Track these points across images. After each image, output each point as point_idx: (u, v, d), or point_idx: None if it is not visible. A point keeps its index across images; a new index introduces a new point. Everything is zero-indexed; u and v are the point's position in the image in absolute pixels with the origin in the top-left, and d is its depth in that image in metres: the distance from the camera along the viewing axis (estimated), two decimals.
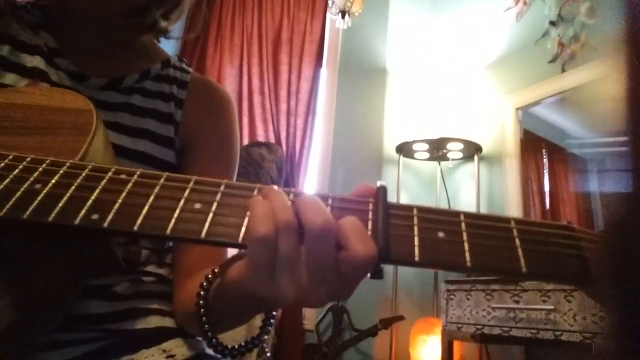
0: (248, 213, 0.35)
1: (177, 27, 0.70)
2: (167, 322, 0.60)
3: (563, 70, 2.29)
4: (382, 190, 0.36)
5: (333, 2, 2.71)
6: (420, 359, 2.37)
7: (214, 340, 0.44)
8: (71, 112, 0.49)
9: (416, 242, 0.33)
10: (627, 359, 0.20)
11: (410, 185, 2.90)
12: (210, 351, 0.43)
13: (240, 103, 2.77)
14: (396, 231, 0.34)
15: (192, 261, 0.60)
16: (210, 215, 0.35)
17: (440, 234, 0.34)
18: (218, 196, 0.36)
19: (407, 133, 2.69)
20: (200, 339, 0.60)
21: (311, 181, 2.74)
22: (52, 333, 0.51)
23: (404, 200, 2.82)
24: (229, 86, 2.76)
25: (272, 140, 2.71)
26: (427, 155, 2.78)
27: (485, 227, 0.35)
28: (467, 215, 0.35)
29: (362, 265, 0.31)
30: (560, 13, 2.36)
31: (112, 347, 0.54)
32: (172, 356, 0.56)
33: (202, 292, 0.44)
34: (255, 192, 0.37)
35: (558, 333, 1.54)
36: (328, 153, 2.80)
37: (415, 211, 0.35)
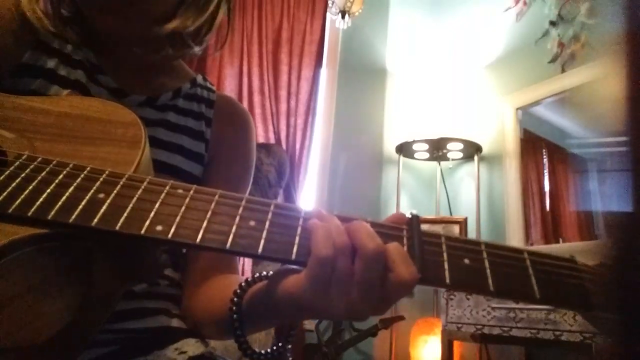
0: (299, 232, 0.38)
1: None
2: (174, 322, 0.62)
3: (563, 70, 2.29)
4: (416, 220, 0.40)
5: (333, 2, 2.71)
6: (420, 359, 2.37)
7: (244, 345, 0.48)
8: (120, 125, 0.51)
9: (446, 267, 0.37)
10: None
11: (410, 185, 2.90)
12: (219, 352, 0.45)
13: (240, 103, 2.77)
14: (428, 257, 0.38)
15: (206, 267, 0.64)
16: (265, 232, 0.38)
17: (466, 261, 0.38)
18: (269, 215, 0.39)
19: (407, 133, 2.70)
20: (208, 340, 0.64)
21: (311, 181, 2.74)
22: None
23: (404, 200, 2.82)
24: (229, 86, 2.76)
25: (272, 140, 2.71)
26: (427, 155, 2.79)
27: (503, 256, 0.39)
28: (487, 244, 0.39)
29: (406, 287, 0.36)
30: (560, 13, 2.36)
31: (125, 350, 0.55)
32: (183, 352, 0.58)
33: (235, 299, 0.48)
34: (302, 213, 0.40)
35: (558, 333, 1.54)
36: (328, 153, 2.80)
37: (443, 239, 0.39)
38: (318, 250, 0.36)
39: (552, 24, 2.39)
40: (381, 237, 0.38)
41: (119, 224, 0.37)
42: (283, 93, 2.78)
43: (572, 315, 1.52)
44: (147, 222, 0.37)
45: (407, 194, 2.86)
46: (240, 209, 0.39)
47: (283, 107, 2.76)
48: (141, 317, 0.59)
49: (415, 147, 2.71)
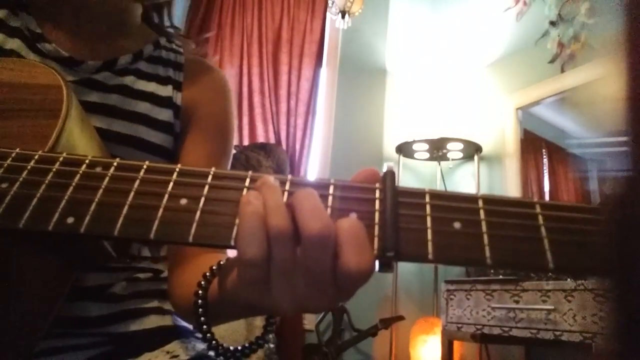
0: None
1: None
2: (167, 320, 0.60)
3: (563, 71, 2.29)
4: (390, 176, 0.32)
5: (333, 2, 2.71)
6: (420, 359, 2.37)
7: (214, 342, 0.42)
8: (39, 89, 0.43)
9: (429, 237, 0.29)
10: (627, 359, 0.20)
11: (410, 185, 2.89)
12: (212, 352, 0.41)
13: (240, 103, 2.77)
14: (406, 224, 0.30)
15: (186, 248, 0.57)
16: (198, 213, 0.31)
17: (457, 225, 0.30)
18: (206, 189, 0.32)
19: (407, 133, 2.69)
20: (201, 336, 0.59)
21: None
22: (52, 339, 0.50)
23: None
24: None
25: (272, 140, 2.71)
26: (427, 155, 2.78)
27: (507, 214, 0.30)
28: (486, 200, 0.31)
29: (356, 279, 0.29)
30: (560, 13, 2.36)
31: (114, 352, 0.54)
32: (175, 356, 0.55)
33: (200, 292, 0.41)
34: (247, 181, 0.33)
35: (558, 333, 1.54)
36: (328, 153, 2.80)
37: (427, 198, 0.31)
38: (243, 250, 0.29)
39: (552, 24, 2.39)
40: (348, 202, 0.31)
41: (23, 221, 0.32)
42: (283, 93, 2.78)
43: (572, 315, 1.52)
44: (56, 215, 0.32)
45: None
46: (170, 185, 0.32)
47: (283, 107, 2.76)
48: (130, 319, 0.56)
49: (415, 147, 2.71)
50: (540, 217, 0.30)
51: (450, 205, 0.31)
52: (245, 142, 2.66)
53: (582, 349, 1.50)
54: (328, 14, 2.86)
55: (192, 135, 0.63)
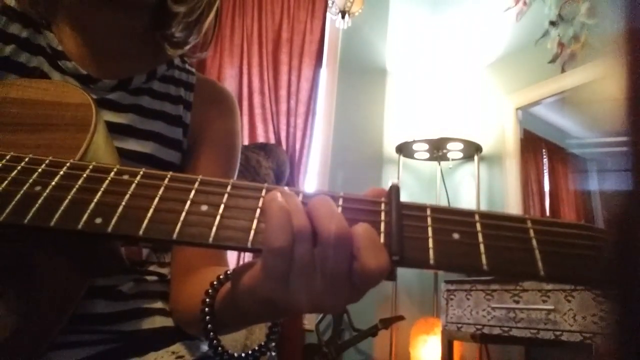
0: (257, 215, 0.34)
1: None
2: (171, 321, 0.61)
3: (563, 71, 2.29)
4: (395, 190, 0.34)
5: (333, 2, 2.71)
6: (420, 359, 2.37)
7: (219, 348, 0.43)
8: (69, 107, 0.47)
9: (431, 245, 0.32)
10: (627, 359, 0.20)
11: (410, 186, 2.90)
12: (217, 359, 0.42)
13: (240, 103, 2.77)
14: (410, 233, 0.33)
15: (191, 257, 0.59)
16: (218, 218, 0.34)
17: (455, 236, 0.33)
18: (225, 197, 0.35)
19: (407, 133, 2.70)
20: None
21: (311, 181, 2.75)
22: (60, 334, 0.51)
23: (404, 200, 2.81)
24: (229, 86, 2.76)
25: (272, 140, 2.71)
26: (427, 155, 2.79)
27: (501, 227, 0.33)
28: (482, 215, 0.34)
29: (373, 278, 0.31)
30: (560, 13, 2.36)
31: (120, 349, 0.55)
32: (181, 357, 0.56)
33: (207, 300, 0.43)
34: (264, 192, 0.35)
35: (558, 333, 1.54)
36: (328, 153, 2.80)
37: (429, 211, 0.34)
38: (271, 240, 0.31)
39: (552, 24, 2.39)
40: (356, 213, 0.34)
41: (54, 220, 0.34)
42: (283, 93, 2.78)
43: (572, 315, 1.52)
44: (86, 215, 0.34)
45: (407, 194, 2.86)
46: (192, 192, 0.35)
47: (283, 107, 2.76)
48: (136, 318, 0.58)
49: (415, 147, 2.71)
50: (531, 231, 0.33)
51: (450, 218, 0.34)
52: (245, 142, 2.66)
53: (582, 349, 1.50)
54: (328, 14, 2.87)
55: (200, 154, 0.66)
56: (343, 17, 2.68)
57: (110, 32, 0.62)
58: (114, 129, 0.58)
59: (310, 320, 2.48)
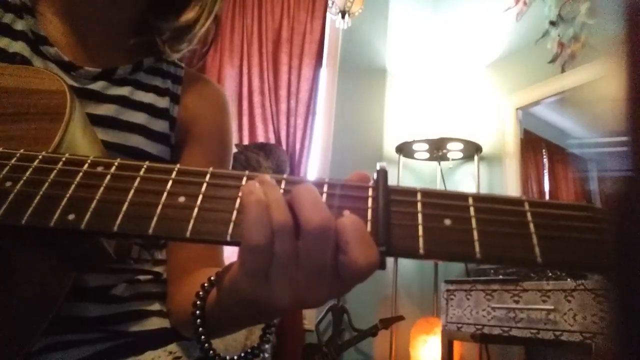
0: (237, 206, 0.32)
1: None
2: (168, 323, 0.60)
3: (563, 70, 2.29)
4: (383, 174, 0.32)
5: (333, 2, 2.71)
6: (420, 359, 2.37)
7: (211, 352, 0.41)
8: (43, 94, 0.44)
9: (420, 232, 0.30)
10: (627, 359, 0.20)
11: (410, 185, 2.90)
12: (219, 352, 0.41)
13: (240, 103, 2.77)
14: (398, 220, 0.31)
15: (186, 259, 0.58)
16: (196, 210, 0.32)
17: (447, 222, 0.31)
18: (203, 187, 0.33)
19: (407, 133, 2.70)
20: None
21: None
22: (55, 335, 0.50)
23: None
24: (229, 86, 2.76)
25: (272, 140, 2.71)
26: (427, 155, 2.78)
27: (496, 211, 0.31)
28: (476, 198, 0.32)
29: (363, 273, 0.29)
30: (560, 13, 2.36)
31: (117, 348, 0.54)
32: (178, 357, 0.56)
33: (198, 302, 0.41)
34: (244, 180, 0.33)
35: (558, 333, 1.54)
36: (328, 153, 2.80)
37: (419, 196, 0.32)
38: (248, 237, 0.30)
39: (552, 24, 2.39)
40: (342, 200, 0.32)
41: (25, 217, 0.32)
42: (283, 93, 2.78)
43: (572, 315, 1.52)
44: (58, 212, 0.32)
45: None
46: (169, 183, 0.33)
47: (283, 107, 2.76)
48: (132, 320, 0.57)
49: (415, 147, 2.71)
50: (528, 214, 0.31)
51: (441, 202, 0.32)
52: (245, 142, 2.66)
53: (582, 349, 1.50)
54: (328, 14, 2.86)
55: (190, 149, 0.64)
56: (343, 17, 2.68)
57: (97, 20, 0.60)
58: (96, 121, 0.56)
59: (310, 320, 2.48)
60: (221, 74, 2.78)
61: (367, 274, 0.30)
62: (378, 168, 0.33)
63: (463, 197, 0.32)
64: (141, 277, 0.61)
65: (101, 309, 0.55)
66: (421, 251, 0.30)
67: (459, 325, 1.91)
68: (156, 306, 0.61)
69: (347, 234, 0.29)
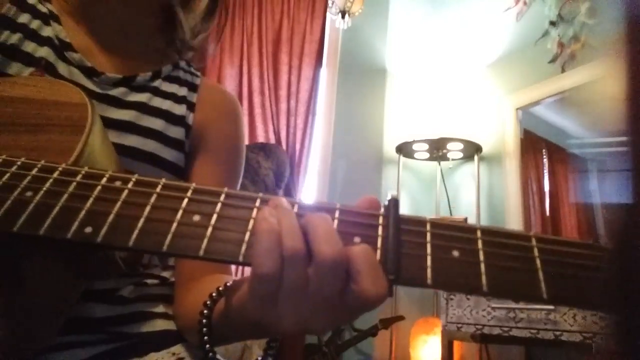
0: (250, 227, 0.32)
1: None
2: (173, 325, 0.60)
3: (563, 70, 2.29)
4: (394, 204, 0.33)
5: (333, 2, 2.71)
6: (420, 359, 2.37)
7: None
8: (65, 107, 0.46)
9: (429, 263, 0.31)
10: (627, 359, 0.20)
11: (410, 186, 2.90)
12: (219, 356, 0.42)
13: (240, 103, 2.75)
14: (407, 250, 0.32)
15: (194, 266, 0.59)
16: (210, 229, 0.33)
17: (455, 253, 0.31)
18: (218, 207, 0.34)
19: (407, 133, 2.70)
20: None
21: (311, 181, 2.74)
22: (59, 335, 0.50)
23: (404, 200, 2.82)
24: (229, 86, 2.76)
25: (272, 140, 2.71)
26: (427, 155, 2.78)
27: (504, 245, 0.32)
28: (484, 231, 0.32)
29: (370, 303, 0.30)
30: (560, 13, 2.36)
31: (120, 350, 0.54)
32: (181, 359, 0.56)
33: (205, 311, 0.42)
34: (258, 202, 0.34)
35: (558, 333, 1.54)
36: (328, 153, 2.80)
37: (428, 226, 0.33)
38: (258, 264, 0.30)
39: (552, 24, 2.39)
40: (353, 227, 0.32)
41: (44, 228, 0.33)
42: (283, 93, 2.78)
43: (572, 315, 1.52)
44: (76, 224, 0.33)
45: (407, 194, 2.86)
46: (185, 201, 0.34)
47: (283, 107, 2.76)
48: (137, 321, 0.57)
49: (415, 147, 2.71)
50: (535, 250, 0.31)
51: (450, 234, 0.32)
52: (245, 143, 2.65)
53: (582, 349, 1.50)
54: (328, 14, 2.86)
55: (203, 157, 0.65)
56: (343, 17, 2.68)
57: (120, 29, 0.63)
58: (115, 125, 0.58)
59: None
60: (221, 74, 2.78)
61: (376, 304, 0.30)
62: (389, 197, 0.34)
63: (472, 229, 0.33)
64: (148, 281, 0.62)
65: (107, 310, 0.55)
66: (429, 281, 0.30)
67: (459, 325, 1.91)
68: (161, 308, 0.61)
69: (359, 263, 0.30)
